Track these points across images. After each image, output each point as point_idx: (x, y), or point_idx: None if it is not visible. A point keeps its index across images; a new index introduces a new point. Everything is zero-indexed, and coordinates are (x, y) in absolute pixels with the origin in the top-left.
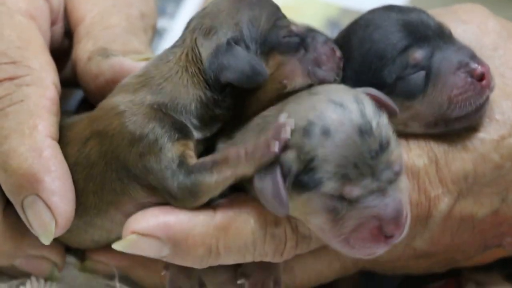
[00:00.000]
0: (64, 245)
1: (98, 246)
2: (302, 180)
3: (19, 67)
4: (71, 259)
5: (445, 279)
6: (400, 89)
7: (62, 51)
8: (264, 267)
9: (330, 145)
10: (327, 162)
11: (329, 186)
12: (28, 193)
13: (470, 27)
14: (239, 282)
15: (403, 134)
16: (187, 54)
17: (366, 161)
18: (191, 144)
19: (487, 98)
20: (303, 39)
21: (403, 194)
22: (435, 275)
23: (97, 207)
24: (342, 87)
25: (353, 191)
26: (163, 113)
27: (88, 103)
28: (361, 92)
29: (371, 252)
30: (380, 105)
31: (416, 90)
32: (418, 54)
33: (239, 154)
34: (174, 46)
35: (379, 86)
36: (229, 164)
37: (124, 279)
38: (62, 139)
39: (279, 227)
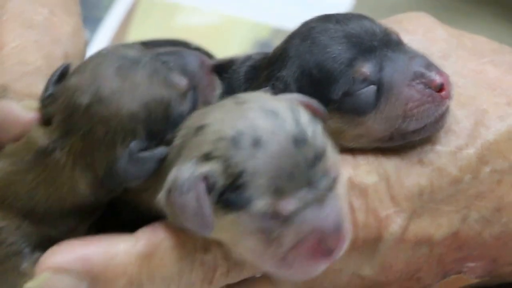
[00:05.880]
0: None
1: None
2: (228, 198)
3: None
4: None
5: None
6: (349, 105)
7: None
8: None
9: (261, 156)
10: (258, 176)
11: (261, 203)
12: None
13: (416, 37)
14: None
15: (350, 149)
16: (68, 157)
17: (302, 171)
18: None
19: (447, 108)
20: (193, 87)
21: (342, 200)
22: None
23: None
24: (270, 95)
25: (289, 204)
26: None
27: None
28: (292, 100)
29: (311, 270)
30: (311, 111)
31: (367, 107)
32: (366, 68)
33: None
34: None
35: (324, 101)
36: None
37: None
38: None
39: (208, 253)
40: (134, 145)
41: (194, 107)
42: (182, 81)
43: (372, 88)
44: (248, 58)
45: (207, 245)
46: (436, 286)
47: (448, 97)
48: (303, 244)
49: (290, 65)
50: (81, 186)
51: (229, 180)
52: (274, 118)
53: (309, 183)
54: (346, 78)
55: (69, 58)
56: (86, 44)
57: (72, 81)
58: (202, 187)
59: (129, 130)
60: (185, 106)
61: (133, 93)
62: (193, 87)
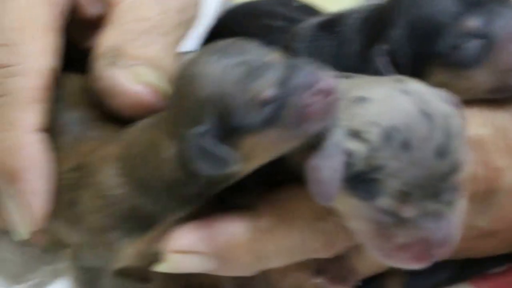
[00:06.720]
0: None
1: None
2: (358, 185)
3: (12, 53)
4: None
5: (508, 263)
6: (455, 58)
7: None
8: (336, 259)
9: (405, 161)
10: (394, 178)
11: (386, 201)
12: (6, 188)
13: None
14: (318, 281)
15: (464, 101)
16: (158, 139)
17: (433, 183)
18: None
19: None
20: (279, 101)
21: (459, 213)
22: (495, 260)
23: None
24: (432, 91)
25: (410, 211)
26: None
27: None
28: (448, 100)
29: (410, 267)
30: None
31: (473, 60)
32: (473, 22)
33: None
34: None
35: (431, 55)
36: None
37: None
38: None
39: (327, 221)
40: (200, 127)
41: (273, 123)
42: (265, 91)
43: (479, 41)
44: (358, 10)
45: (325, 214)
46: None
47: None
48: (409, 247)
49: (398, 21)
50: (167, 157)
51: (367, 168)
52: (429, 124)
53: (436, 195)
54: (454, 32)
55: (184, 10)
56: None
57: (193, 54)
58: (341, 160)
59: (200, 112)
60: (256, 117)
61: (216, 83)
62: (280, 104)
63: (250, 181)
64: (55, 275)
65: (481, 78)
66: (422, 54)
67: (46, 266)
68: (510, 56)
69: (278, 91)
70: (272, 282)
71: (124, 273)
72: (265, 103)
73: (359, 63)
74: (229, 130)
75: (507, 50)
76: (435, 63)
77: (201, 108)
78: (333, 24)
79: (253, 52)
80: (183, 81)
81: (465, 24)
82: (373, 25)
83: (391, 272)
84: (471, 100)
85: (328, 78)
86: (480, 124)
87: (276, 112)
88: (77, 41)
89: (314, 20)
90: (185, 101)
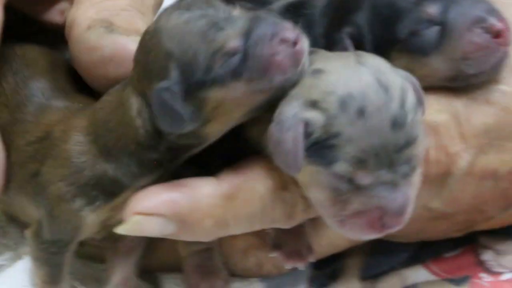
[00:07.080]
0: None
1: None
2: (316, 152)
3: None
4: None
5: (461, 248)
6: (414, 44)
7: None
8: (294, 235)
9: (360, 127)
10: (350, 143)
11: (343, 167)
12: None
13: None
14: (272, 255)
15: (423, 88)
16: (126, 97)
17: (388, 153)
18: None
19: (505, 54)
20: (244, 52)
21: (414, 189)
22: (449, 244)
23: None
24: (389, 66)
25: (365, 178)
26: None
27: None
28: (407, 79)
29: (363, 237)
30: (416, 95)
31: (430, 46)
32: (433, 9)
33: None
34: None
35: (392, 40)
36: None
37: None
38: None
39: (287, 191)
40: (164, 82)
41: (239, 75)
42: (229, 42)
43: (436, 28)
44: None
45: (286, 184)
46: (497, 218)
47: (506, 44)
48: (364, 215)
49: (362, 5)
50: (133, 114)
51: (324, 136)
52: (384, 94)
53: (391, 166)
54: (413, 18)
55: None
56: None
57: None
58: (301, 130)
59: (160, 69)
60: (221, 69)
61: (178, 35)
62: (245, 55)
63: (213, 160)
64: (17, 259)
65: (437, 66)
66: (383, 39)
67: (8, 250)
68: (466, 44)
69: (242, 41)
70: (233, 262)
71: (83, 254)
72: (229, 54)
73: (325, 46)
74: (194, 85)
75: (463, 38)
76: (396, 48)
77: (164, 62)
78: (301, 5)
79: (216, 6)
80: (147, 37)
81: (424, 9)
82: (338, 8)
83: (350, 254)
84: (429, 87)
85: (292, 28)
86: (437, 110)
87: (241, 64)
88: (33, 15)
89: (283, 1)
90: (149, 56)
